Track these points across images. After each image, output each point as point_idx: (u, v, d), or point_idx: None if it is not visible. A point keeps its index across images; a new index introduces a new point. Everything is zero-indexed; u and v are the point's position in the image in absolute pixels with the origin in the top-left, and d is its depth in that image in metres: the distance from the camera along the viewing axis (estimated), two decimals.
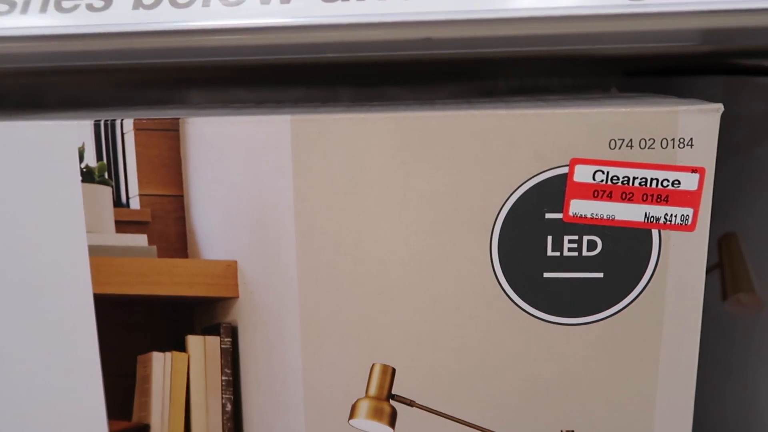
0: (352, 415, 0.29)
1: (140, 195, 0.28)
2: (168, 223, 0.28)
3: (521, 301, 0.28)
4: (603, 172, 0.26)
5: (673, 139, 0.26)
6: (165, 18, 0.28)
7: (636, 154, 0.26)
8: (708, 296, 0.27)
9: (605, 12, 0.27)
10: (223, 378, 0.30)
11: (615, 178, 0.26)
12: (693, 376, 0.28)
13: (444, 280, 0.28)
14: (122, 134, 0.28)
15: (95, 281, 0.29)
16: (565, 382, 0.28)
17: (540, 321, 0.28)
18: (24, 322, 0.30)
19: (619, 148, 0.26)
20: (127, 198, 0.28)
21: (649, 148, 0.26)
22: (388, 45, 0.28)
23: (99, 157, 0.28)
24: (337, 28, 0.28)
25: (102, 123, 0.28)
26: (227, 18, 0.28)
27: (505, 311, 0.28)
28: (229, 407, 0.30)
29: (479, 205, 0.27)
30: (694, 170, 0.26)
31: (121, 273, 0.29)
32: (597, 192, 0.26)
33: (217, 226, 0.28)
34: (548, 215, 0.27)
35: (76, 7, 0.29)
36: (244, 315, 0.29)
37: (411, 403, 0.29)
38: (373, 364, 0.29)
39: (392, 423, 0.29)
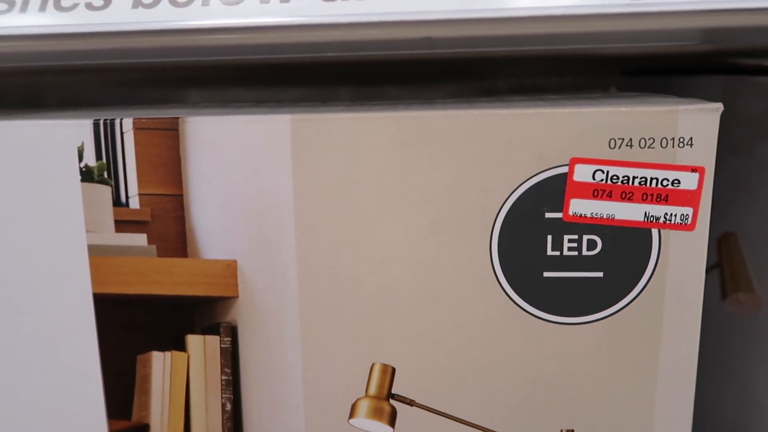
0: (351, 415, 0.29)
1: (140, 194, 0.28)
2: (167, 223, 0.28)
3: (521, 300, 0.28)
4: (603, 172, 0.26)
5: (673, 139, 0.26)
6: (164, 17, 0.28)
7: (636, 154, 0.26)
8: (708, 296, 0.27)
9: (605, 11, 0.27)
10: (223, 377, 0.30)
11: (615, 177, 0.26)
12: (693, 376, 0.28)
13: (444, 279, 0.28)
14: (122, 133, 0.28)
15: (95, 281, 0.29)
16: (565, 382, 0.28)
17: (540, 320, 0.28)
18: (24, 322, 0.30)
19: (619, 147, 0.26)
20: (127, 197, 0.28)
21: (648, 147, 0.26)
22: (387, 44, 0.28)
23: (98, 157, 0.28)
24: (337, 27, 0.28)
25: (101, 122, 0.28)
26: (227, 17, 0.28)
27: (504, 311, 0.28)
28: (228, 407, 0.30)
29: (479, 204, 0.27)
30: (693, 170, 0.26)
31: (120, 272, 0.29)
32: (597, 191, 0.26)
33: (216, 225, 0.28)
34: (548, 215, 0.27)
35: (75, 5, 0.29)
36: (243, 314, 0.29)
37: (411, 403, 0.29)
38: (372, 364, 0.29)
39: (392, 422, 0.29)
